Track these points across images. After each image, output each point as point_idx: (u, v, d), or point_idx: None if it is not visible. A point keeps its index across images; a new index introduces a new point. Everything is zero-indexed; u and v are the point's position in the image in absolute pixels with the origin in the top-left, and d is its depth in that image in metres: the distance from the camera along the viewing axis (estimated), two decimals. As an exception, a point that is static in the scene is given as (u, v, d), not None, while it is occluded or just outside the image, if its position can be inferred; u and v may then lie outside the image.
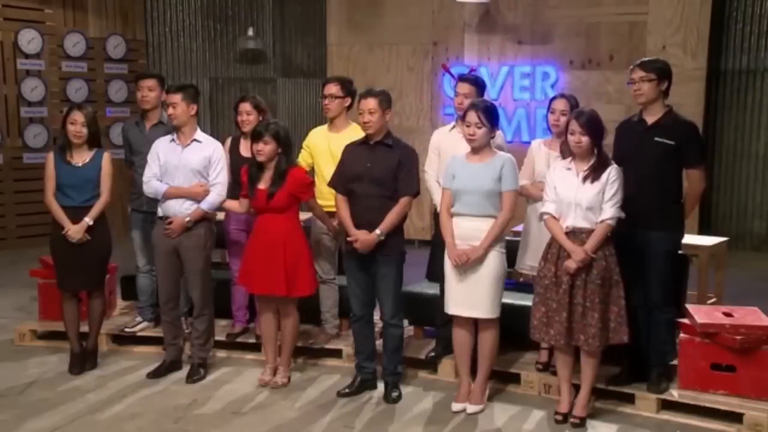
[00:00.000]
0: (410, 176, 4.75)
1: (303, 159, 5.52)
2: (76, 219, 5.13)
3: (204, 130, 5.31)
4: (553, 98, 5.12)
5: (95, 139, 5.25)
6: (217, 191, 5.11)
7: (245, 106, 5.46)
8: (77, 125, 5.12)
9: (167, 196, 5.07)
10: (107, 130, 9.73)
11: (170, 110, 5.05)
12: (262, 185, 4.92)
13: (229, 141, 5.64)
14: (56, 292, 5.43)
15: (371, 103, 4.69)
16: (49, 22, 9.65)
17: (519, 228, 5.56)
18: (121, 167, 6.50)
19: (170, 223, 5.04)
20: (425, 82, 9.55)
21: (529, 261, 5.04)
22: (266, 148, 4.84)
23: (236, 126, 5.58)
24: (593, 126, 4.38)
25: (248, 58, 10.61)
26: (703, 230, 8.48)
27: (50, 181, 5.19)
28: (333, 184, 4.93)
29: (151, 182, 5.11)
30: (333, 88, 5.39)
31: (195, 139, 5.13)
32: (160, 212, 5.15)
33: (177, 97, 5.03)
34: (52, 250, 5.29)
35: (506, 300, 4.76)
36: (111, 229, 5.42)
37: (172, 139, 5.14)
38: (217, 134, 7.05)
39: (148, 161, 5.17)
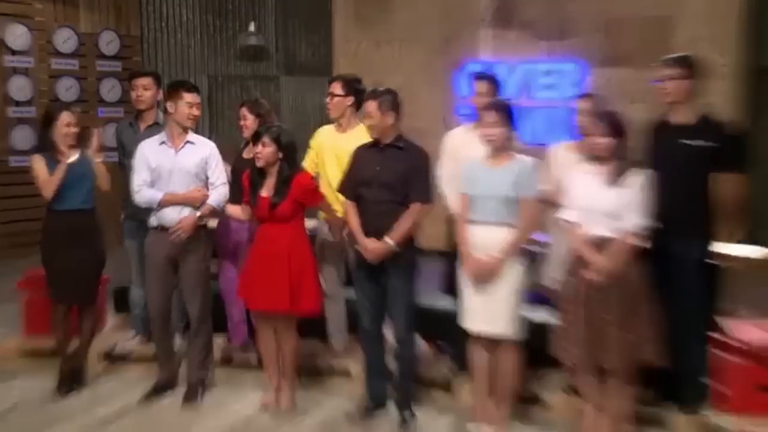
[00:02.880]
0: (422, 181, 4.57)
1: (310, 159, 5.37)
2: (76, 225, 4.99)
3: (203, 130, 5.12)
4: (577, 97, 4.92)
5: (80, 138, 5.11)
6: (219, 190, 4.94)
7: (242, 110, 5.40)
8: (72, 126, 5.02)
9: (164, 204, 4.86)
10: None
11: (195, 111, 4.89)
12: (265, 192, 4.72)
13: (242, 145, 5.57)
14: (43, 306, 5.29)
15: (370, 105, 4.62)
16: (38, 17, 9.41)
17: (544, 238, 5.26)
18: (112, 171, 6.24)
19: (176, 229, 4.81)
20: (437, 81, 9.28)
21: (554, 274, 4.78)
22: (265, 151, 4.65)
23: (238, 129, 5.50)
24: (616, 127, 4.19)
25: (249, 55, 10.45)
26: (740, 240, 8.17)
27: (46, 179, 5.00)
28: (342, 189, 4.80)
29: (143, 191, 4.91)
30: (335, 87, 5.30)
31: (188, 141, 4.96)
32: (153, 222, 4.92)
33: (198, 98, 4.92)
34: (44, 260, 5.08)
35: (529, 316, 4.59)
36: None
37: (162, 142, 4.96)
38: (217, 134, 6.80)
39: (136, 168, 4.98)
